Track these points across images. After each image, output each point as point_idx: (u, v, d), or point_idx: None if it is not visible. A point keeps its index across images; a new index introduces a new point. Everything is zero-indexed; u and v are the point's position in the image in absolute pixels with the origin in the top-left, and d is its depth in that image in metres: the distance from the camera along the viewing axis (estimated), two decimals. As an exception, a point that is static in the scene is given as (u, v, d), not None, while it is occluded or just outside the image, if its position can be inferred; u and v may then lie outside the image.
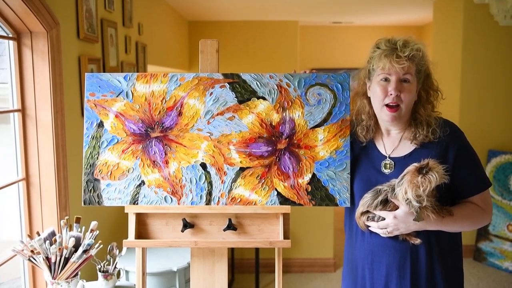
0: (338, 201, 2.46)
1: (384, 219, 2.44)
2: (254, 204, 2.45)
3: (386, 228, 2.45)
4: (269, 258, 6.12)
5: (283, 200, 2.45)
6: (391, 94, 2.44)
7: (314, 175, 2.45)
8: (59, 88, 3.38)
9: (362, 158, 2.63)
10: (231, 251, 6.15)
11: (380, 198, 2.44)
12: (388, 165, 2.55)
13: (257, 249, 5.87)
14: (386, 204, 2.44)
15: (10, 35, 3.21)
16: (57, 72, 3.35)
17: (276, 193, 2.45)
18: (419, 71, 2.48)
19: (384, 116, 2.49)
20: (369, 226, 2.52)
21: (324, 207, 6.00)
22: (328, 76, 2.49)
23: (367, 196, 2.49)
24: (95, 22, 4.14)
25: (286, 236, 2.49)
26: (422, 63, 2.49)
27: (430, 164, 2.28)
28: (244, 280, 6.29)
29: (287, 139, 2.46)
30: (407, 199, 2.31)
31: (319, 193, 2.45)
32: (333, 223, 6.54)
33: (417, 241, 2.45)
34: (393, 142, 2.59)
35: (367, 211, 2.50)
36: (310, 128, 2.46)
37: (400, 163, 2.50)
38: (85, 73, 2.56)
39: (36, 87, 3.28)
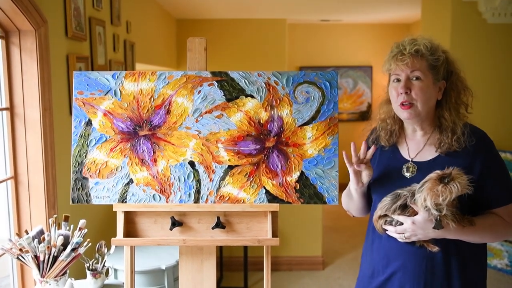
0: (326, 199, 2.46)
1: (402, 223, 2.43)
2: (243, 202, 2.45)
3: (403, 233, 2.44)
4: (257, 256, 6.13)
5: (272, 198, 2.45)
6: (401, 93, 2.44)
7: (302, 173, 2.45)
8: (47, 86, 3.37)
9: (383, 162, 2.63)
10: (220, 249, 6.16)
11: (399, 203, 2.41)
12: (410, 169, 2.53)
13: (245, 247, 5.88)
14: (405, 209, 2.41)
15: (-2, 33, 3.20)
16: (45, 71, 3.35)
17: (264, 191, 2.45)
18: (433, 67, 2.46)
19: (400, 114, 2.50)
20: (387, 230, 2.51)
21: (313, 205, 6.02)
22: (316, 74, 2.49)
23: (386, 200, 2.47)
24: (83, 20, 4.13)
25: (274, 234, 2.49)
26: (435, 58, 2.46)
27: (453, 174, 2.24)
28: (233, 278, 6.30)
29: (276, 137, 2.46)
30: (426, 206, 2.28)
31: (307, 191, 2.45)
32: (322, 221, 6.56)
33: (435, 248, 2.41)
34: (418, 146, 2.57)
35: (385, 215, 2.49)
36: (299, 126, 2.46)
37: (424, 168, 2.48)
38: (73, 72, 2.55)
39: (24, 85, 3.27)
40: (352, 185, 2.60)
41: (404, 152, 2.60)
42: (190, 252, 2.59)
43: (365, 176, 2.54)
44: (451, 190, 2.21)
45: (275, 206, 2.47)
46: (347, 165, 2.51)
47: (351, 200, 2.76)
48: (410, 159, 2.56)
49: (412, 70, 2.44)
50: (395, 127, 2.62)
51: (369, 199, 2.73)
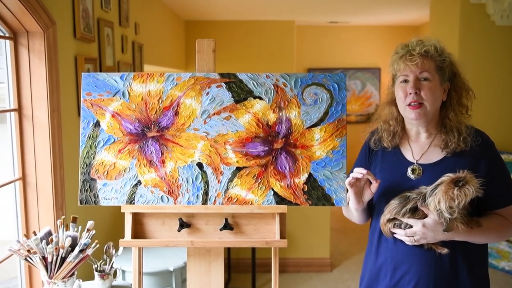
0: (334, 201, 2.46)
1: (411, 226, 2.43)
2: (251, 203, 2.44)
3: (413, 236, 2.43)
4: (265, 258, 6.12)
5: (280, 199, 2.45)
6: (410, 93, 2.44)
7: (310, 175, 2.45)
8: (55, 87, 3.37)
9: (385, 164, 2.62)
10: (228, 250, 6.16)
11: (409, 206, 2.40)
12: (416, 171, 2.52)
13: (253, 249, 5.88)
14: (414, 212, 2.40)
15: (7, 35, 3.20)
16: (54, 72, 3.35)
17: (272, 192, 2.45)
18: (439, 68, 2.48)
19: (408, 114, 2.49)
20: (394, 233, 2.50)
21: (321, 207, 6.01)
22: (325, 76, 2.48)
23: (394, 203, 2.45)
24: (92, 21, 4.13)
25: (282, 236, 2.49)
26: (442, 60, 2.48)
27: (467, 177, 2.26)
28: (241, 280, 6.30)
29: (284, 139, 2.46)
30: (439, 209, 2.28)
31: (315, 193, 2.45)
32: (330, 223, 6.55)
33: (444, 250, 2.41)
34: (422, 148, 2.57)
35: (394, 218, 2.47)
36: (307, 128, 2.46)
37: (429, 170, 2.49)
38: (82, 73, 2.55)
39: (32, 86, 3.28)
40: (353, 205, 2.58)
41: (408, 154, 2.59)
42: (198, 254, 2.59)
43: (368, 195, 2.52)
44: (466, 193, 2.22)
45: (283, 208, 2.47)
46: (348, 187, 2.49)
47: (352, 214, 2.75)
48: (414, 161, 2.55)
49: (421, 71, 2.44)
50: (398, 128, 2.62)
51: (370, 209, 2.73)
